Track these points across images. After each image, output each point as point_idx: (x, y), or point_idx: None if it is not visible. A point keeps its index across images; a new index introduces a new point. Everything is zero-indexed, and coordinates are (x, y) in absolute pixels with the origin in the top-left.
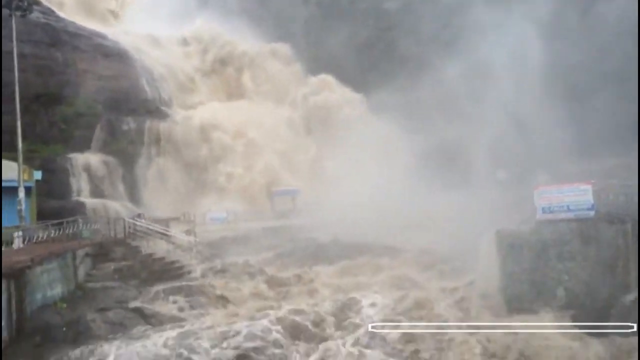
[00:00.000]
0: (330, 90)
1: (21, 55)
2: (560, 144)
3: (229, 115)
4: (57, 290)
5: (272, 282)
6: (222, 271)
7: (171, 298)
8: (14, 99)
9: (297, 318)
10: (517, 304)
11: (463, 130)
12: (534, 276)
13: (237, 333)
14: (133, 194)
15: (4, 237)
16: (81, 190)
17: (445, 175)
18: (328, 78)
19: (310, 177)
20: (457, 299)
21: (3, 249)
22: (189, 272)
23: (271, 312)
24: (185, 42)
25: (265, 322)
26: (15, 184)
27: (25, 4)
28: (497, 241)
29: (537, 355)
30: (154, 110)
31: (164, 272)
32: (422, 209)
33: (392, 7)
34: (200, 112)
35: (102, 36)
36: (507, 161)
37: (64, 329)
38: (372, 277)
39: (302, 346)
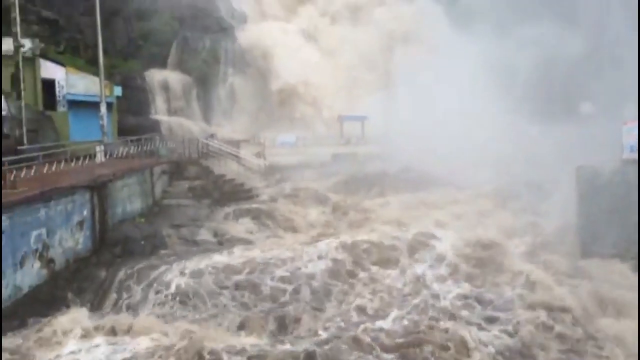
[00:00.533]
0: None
1: None
2: None
3: (300, 35)
4: (136, 205)
5: (337, 209)
6: (290, 195)
7: (240, 220)
8: (94, 12)
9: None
10: (592, 247)
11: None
12: (615, 219)
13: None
14: (207, 113)
15: (88, 151)
16: (158, 108)
17: (526, 105)
18: None
19: (382, 102)
20: (526, 241)
21: (88, 161)
22: (258, 195)
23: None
24: None
25: (330, 246)
26: (97, 99)
27: None
28: (576, 178)
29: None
30: (228, 27)
31: (234, 193)
32: (500, 142)
33: None
34: (270, 32)
35: None
36: (593, 91)
37: (142, 242)
38: (437, 212)
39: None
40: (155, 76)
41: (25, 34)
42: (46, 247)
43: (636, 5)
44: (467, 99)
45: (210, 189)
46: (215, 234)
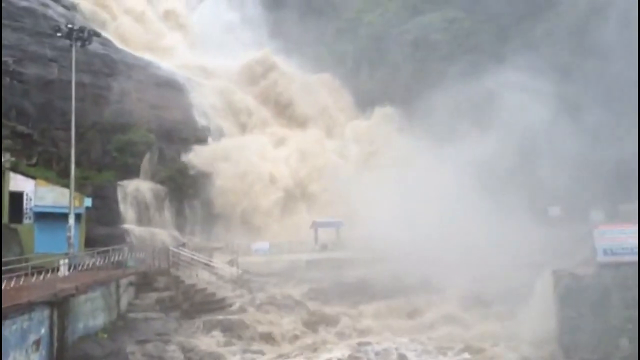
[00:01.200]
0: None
1: (81, 85)
2: (615, 180)
3: (276, 146)
4: (99, 320)
5: (311, 319)
6: (263, 304)
7: (211, 332)
8: (70, 126)
9: None
10: (575, 353)
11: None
12: (594, 324)
13: None
14: (179, 222)
15: (51, 264)
16: (129, 218)
17: (492, 206)
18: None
19: (355, 208)
20: (510, 347)
21: (49, 275)
22: (230, 305)
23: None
24: (237, 72)
25: None
26: (66, 211)
27: (86, 35)
28: (553, 283)
29: None
30: (204, 139)
31: (205, 304)
32: (469, 242)
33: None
34: (248, 143)
35: (157, 66)
36: (559, 196)
37: None
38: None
39: None
40: (128, 186)
41: None
42: None
43: None
44: (442, 202)
45: (180, 300)
46: (184, 349)
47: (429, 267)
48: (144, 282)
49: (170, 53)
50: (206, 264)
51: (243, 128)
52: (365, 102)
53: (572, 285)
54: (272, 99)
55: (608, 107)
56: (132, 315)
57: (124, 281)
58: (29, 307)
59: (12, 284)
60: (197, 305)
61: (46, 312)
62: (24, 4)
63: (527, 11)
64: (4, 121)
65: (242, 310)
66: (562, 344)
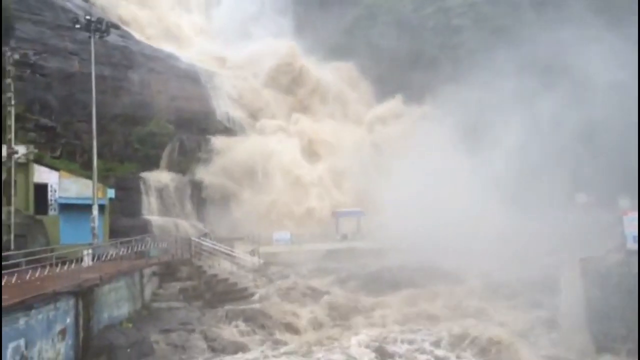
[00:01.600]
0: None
1: (101, 77)
2: None
3: (295, 136)
4: (124, 310)
5: (333, 309)
6: (286, 294)
7: (233, 322)
8: (92, 118)
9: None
10: (605, 343)
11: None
12: (624, 312)
13: None
14: (201, 213)
15: (75, 255)
16: (152, 209)
17: (519, 194)
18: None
19: (376, 198)
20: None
21: (74, 266)
22: (252, 295)
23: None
24: (254, 61)
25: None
26: (89, 202)
27: (104, 27)
28: (581, 271)
29: None
30: (223, 129)
31: (228, 293)
32: (494, 231)
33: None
34: (267, 132)
35: (176, 58)
36: (586, 182)
37: (129, 350)
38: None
39: None
40: (150, 177)
41: (22, 141)
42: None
43: None
44: (465, 190)
45: (203, 289)
46: (207, 339)
47: (454, 256)
48: (167, 272)
49: (189, 43)
50: (228, 254)
51: (259, 118)
52: (385, 90)
53: (601, 272)
54: (292, 89)
55: None
56: (155, 304)
57: (147, 271)
58: (54, 297)
59: (37, 274)
60: (220, 295)
61: (71, 302)
62: None
63: None
64: (27, 114)
65: (264, 299)
66: (592, 333)
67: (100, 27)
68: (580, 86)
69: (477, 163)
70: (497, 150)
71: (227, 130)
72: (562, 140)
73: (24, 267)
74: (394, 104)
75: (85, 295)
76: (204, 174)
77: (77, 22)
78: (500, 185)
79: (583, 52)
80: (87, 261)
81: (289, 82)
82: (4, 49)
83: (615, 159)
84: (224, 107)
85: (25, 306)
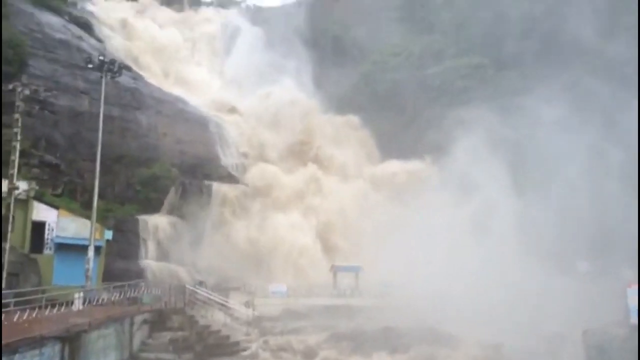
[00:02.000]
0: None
1: (110, 117)
2: None
3: (298, 185)
4: (111, 359)
5: None
6: (278, 350)
7: None
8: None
9: None
10: None
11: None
12: None
13: None
14: (198, 260)
15: (67, 297)
16: (149, 253)
17: (520, 259)
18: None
19: (376, 253)
20: None
21: (64, 309)
22: (244, 350)
23: None
24: (261, 109)
25: None
26: (86, 243)
27: (116, 67)
28: (584, 344)
29: None
30: (226, 175)
31: (219, 346)
32: (494, 295)
33: None
34: (270, 181)
35: (185, 102)
36: (588, 251)
37: None
38: None
39: None
40: (150, 220)
41: (25, 177)
42: None
43: None
44: (465, 252)
45: (193, 341)
46: None
47: (453, 318)
48: (158, 320)
49: (200, 89)
50: (222, 305)
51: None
52: (388, 146)
53: (605, 345)
54: (296, 139)
55: None
56: (144, 355)
57: (138, 318)
58: (40, 342)
59: (26, 316)
60: (211, 347)
61: (57, 348)
62: (60, 36)
63: (553, 57)
64: (32, 150)
65: (255, 355)
66: None
67: (113, 67)
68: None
69: (476, 226)
70: (494, 211)
71: (230, 177)
72: (566, 208)
73: (12, 308)
74: (396, 162)
75: (72, 341)
76: (198, 259)
77: (90, 61)
78: (502, 249)
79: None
80: (78, 305)
81: (294, 133)
82: (14, 84)
83: (618, 227)
84: (229, 154)
85: (10, 350)
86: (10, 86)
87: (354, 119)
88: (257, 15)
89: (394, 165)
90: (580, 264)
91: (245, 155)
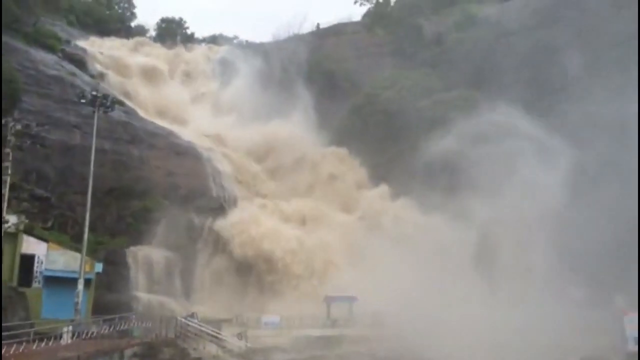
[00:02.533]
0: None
1: (102, 151)
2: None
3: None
4: None
5: None
6: None
7: None
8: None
9: None
10: None
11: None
12: None
13: None
14: (189, 292)
15: (55, 331)
16: (139, 285)
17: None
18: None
19: (368, 284)
20: None
21: (52, 343)
22: None
23: None
24: (254, 142)
25: None
26: (76, 276)
27: (109, 102)
28: None
29: None
30: (218, 208)
31: None
32: (487, 323)
33: None
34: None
35: (177, 136)
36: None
37: None
38: None
39: None
40: (140, 252)
41: (15, 210)
42: None
43: None
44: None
45: None
46: None
47: (448, 349)
48: (148, 354)
49: (192, 122)
50: (214, 337)
51: (256, 200)
52: (379, 177)
53: None
54: (286, 172)
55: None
56: None
57: (128, 352)
58: None
59: (12, 350)
60: None
61: None
62: (53, 72)
63: (546, 90)
64: (22, 184)
65: None
66: None
67: (105, 102)
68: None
69: (467, 253)
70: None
71: (222, 209)
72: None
73: None
74: (384, 190)
75: None
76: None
77: (83, 97)
78: (493, 276)
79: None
80: (67, 338)
81: (284, 165)
82: (6, 119)
83: (609, 254)
84: (220, 186)
85: None
86: (2, 121)
87: (344, 151)
88: (249, 51)
89: (379, 194)
90: (572, 290)
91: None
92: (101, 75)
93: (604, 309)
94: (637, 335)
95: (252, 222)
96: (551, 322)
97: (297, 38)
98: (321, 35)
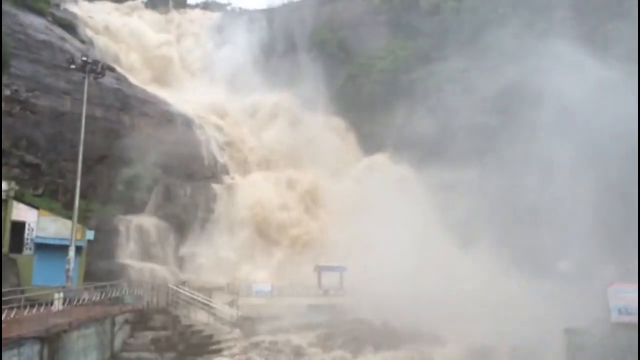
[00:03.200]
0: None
1: (92, 118)
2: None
3: (283, 187)
4: (91, 359)
5: None
6: (262, 349)
7: None
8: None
9: None
10: None
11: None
12: None
13: None
14: (181, 260)
15: (46, 297)
16: (131, 253)
17: (502, 260)
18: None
19: (361, 253)
20: None
21: (43, 309)
22: (228, 348)
23: None
24: (248, 111)
25: None
26: (67, 243)
27: (99, 68)
28: (566, 342)
29: None
30: (210, 176)
31: (202, 346)
32: (476, 294)
33: None
34: (253, 182)
35: (168, 104)
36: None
37: None
38: None
39: None
40: (132, 221)
41: (5, 177)
42: None
43: None
44: (445, 248)
45: (176, 340)
46: None
47: (437, 318)
48: (140, 320)
49: (184, 90)
50: (205, 304)
51: (249, 166)
52: (373, 147)
53: (586, 344)
54: (280, 140)
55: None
56: (125, 354)
57: (119, 318)
58: (18, 342)
59: (4, 316)
60: (193, 347)
61: (36, 348)
62: (43, 37)
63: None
64: (12, 150)
65: (239, 354)
66: None
67: (96, 68)
68: None
69: (456, 224)
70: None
71: (214, 177)
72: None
73: None
74: (381, 158)
75: (51, 342)
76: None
77: (73, 62)
78: (480, 246)
79: None
80: (58, 305)
81: (277, 133)
82: None
83: (596, 225)
84: (212, 154)
85: None
86: None
87: (339, 121)
88: (243, 18)
89: (376, 161)
90: (560, 264)
91: (230, 154)
92: (91, 41)
93: (590, 281)
94: (621, 306)
95: (246, 188)
96: (536, 295)
97: (292, 6)
98: (316, 3)
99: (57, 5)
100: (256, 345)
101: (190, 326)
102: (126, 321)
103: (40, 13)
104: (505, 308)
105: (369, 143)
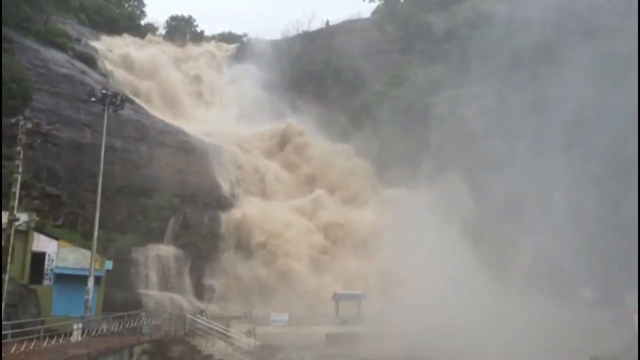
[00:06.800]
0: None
1: (112, 149)
2: None
3: (298, 214)
4: None
5: None
6: None
7: None
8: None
9: None
10: None
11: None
12: None
13: None
14: (199, 289)
15: (65, 328)
16: (149, 282)
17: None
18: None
19: (378, 281)
20: None
21: (62, 340)
22: None
23: None
24: (263, 139)
25: None
26: (86, 273)
27: (118, 100)
28: None
29: None
30: (227, 205)
31: None
32: (498, 323)
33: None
34: (269, 210)
35: (186, 134)
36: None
37: None
38: None
39: None
40: (150, 250)
41: (26, 208)
42: None
43: None
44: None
45: None
46: None
47: (460, 347)
48: (158, 351)
49: (200, 120)
50: (223, 334)
51: (265, 195)
52: (389, 174)
53: None
54: (295, 168)
55: None
56: None
57: (137, 349)
58: None
59: (23, 347)
60: None
61: None
62: (64, 71)
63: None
64: (34, 182)
65: None
66: None
67: (115, 100)
68: None
69: (479, 254)
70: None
71: (231, 206)
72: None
73: (10, 340)
74: (400, 189)
75: None
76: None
77: (93, 95)
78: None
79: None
80: (77, 335)
81: (292, 161)
82: (17, 118)
83: (619, 253)
84: (229, 182)
85: None
86: (13, 119)
87: (350, 148)
88: (258, 48)
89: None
90: (582, 290)
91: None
92: (111, 74)
93: (614, 308)
94: None
95: (262, 217)
96: (561, 322)
97: (306, 35)
98: (330, 32)
99: (79, 40)
100: None
101: (208, 356)
102: (144, 351)
103: (61, 48)
104: (529, 338)
105: (385, 171)
